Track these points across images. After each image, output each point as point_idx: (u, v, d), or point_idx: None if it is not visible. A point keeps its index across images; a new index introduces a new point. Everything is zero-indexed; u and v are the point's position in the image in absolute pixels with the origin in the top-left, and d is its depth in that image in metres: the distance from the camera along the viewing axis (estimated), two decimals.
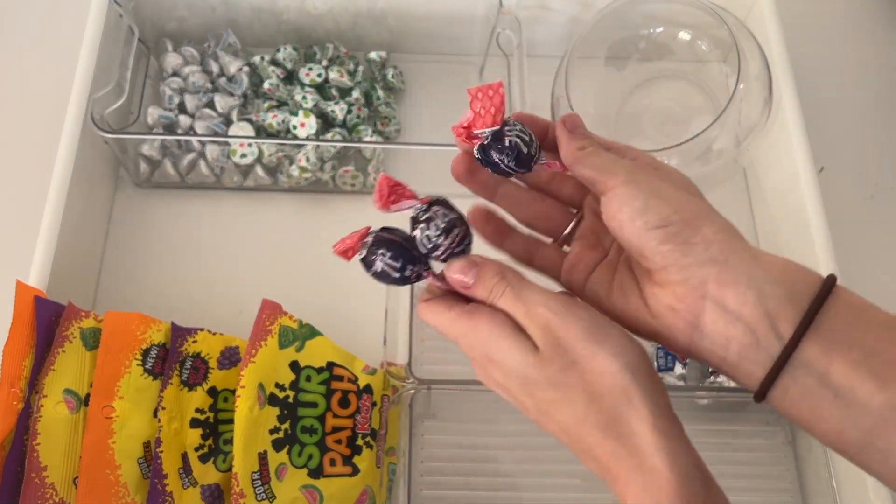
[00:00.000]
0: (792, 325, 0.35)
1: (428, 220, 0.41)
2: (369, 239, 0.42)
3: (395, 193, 0.41)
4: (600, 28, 0.77)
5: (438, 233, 0.41)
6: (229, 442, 0.59)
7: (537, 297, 0.38)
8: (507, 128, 0.40)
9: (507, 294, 0.39)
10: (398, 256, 0.41)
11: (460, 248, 0.42)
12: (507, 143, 0.40)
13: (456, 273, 0.40)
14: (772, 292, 0.36)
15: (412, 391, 0.65)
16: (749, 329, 0.36)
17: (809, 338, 0.35)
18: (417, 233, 0.42)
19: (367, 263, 0.42)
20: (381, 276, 0.42)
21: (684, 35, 0.79)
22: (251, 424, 0.58)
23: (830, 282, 0.37)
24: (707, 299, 0.36)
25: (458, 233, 0.42)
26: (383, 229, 0.42)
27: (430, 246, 0.41)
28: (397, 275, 0.41)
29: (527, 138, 0.41)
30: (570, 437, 0.39)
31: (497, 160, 0.41)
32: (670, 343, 0.39)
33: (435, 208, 0.42)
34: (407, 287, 0.69)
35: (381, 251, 0.41)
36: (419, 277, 0.42)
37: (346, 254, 0.42)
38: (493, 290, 0.39)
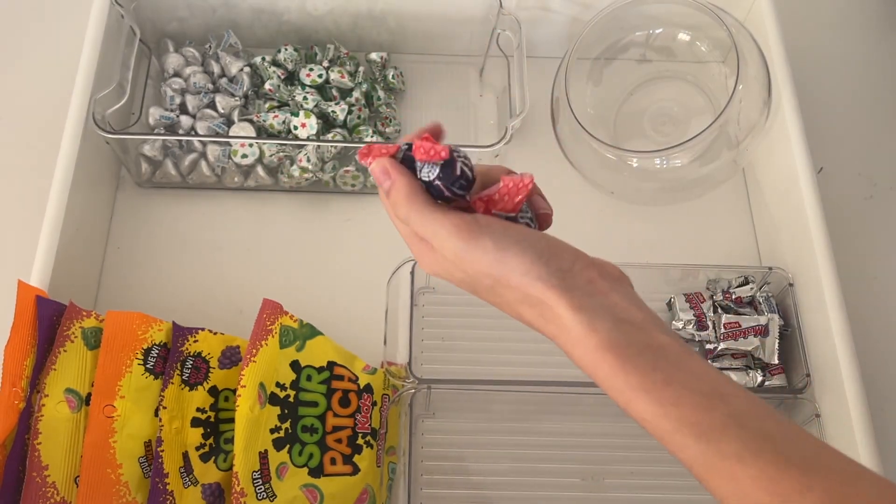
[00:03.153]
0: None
1: (463, 155, 0.43)
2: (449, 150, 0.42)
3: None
4: (599, 29, 0.77)
5: (469, 166, 0.43)
6: (230, 441, 0.59)
7: (442, 232, 0.41)
8: (455, 154, 0.42)
9: (412, 219, 0.42)
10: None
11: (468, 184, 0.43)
12: (458, 173, 0.42)
13: (379, 171, 0.43)
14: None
15: (412, 391, 0.65)
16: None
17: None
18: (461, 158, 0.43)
19: (451, 162, 0.42)
20: (450, 178, 0.42)
21: (683, 36, 0.80)
22: (252, 424, 0.58)
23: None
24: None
25: (471, 175, 0.43)
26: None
27: (468, 173, 0.43)
28: (462, 182, 0.42)
29: (470, 164, 0.43)
30: (516, 315, 0.43)
31: (444, 187, 0.42)
32: None
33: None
34: (407, 287, 0.69)
35: (462, 157, 0.42)
36: (456, 195, 0.43)
37: (375, 153, 0.44)
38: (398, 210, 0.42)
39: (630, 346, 0.39)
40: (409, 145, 0.43)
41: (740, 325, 0.69)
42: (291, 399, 0.61)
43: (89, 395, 0.59)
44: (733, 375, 0.69)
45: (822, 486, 0.34)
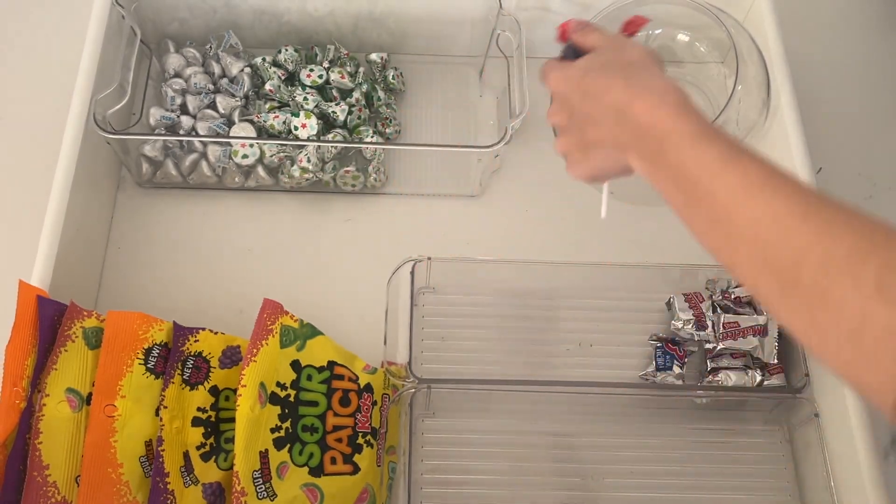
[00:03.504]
0: None
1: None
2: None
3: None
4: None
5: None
6: (230, 440, 0.59)
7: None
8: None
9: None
10: None
11: None
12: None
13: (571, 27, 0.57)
14: None
15: (412, 390, 0.65)
16: None
17: None
18: None
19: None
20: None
21: (683, 36, 0.80)
22: (252, 423, 0.58)
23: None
24: None
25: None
26: None
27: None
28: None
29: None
30: (605, 107, 0.49)
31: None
32: None
33: None
34: (407, 287, 0.69)
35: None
36: None
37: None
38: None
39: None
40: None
41: (739, 325, 0.69)
42: (292, 398, 0.62)
43: (90, 394, 0.59)
44: (732, 375, 0.69)
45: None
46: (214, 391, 0.61)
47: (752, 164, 0.42)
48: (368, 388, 0.64)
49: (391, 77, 0.82)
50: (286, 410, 0.61)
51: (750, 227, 0.41)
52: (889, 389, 0.35)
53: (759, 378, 0.69)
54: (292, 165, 0.75)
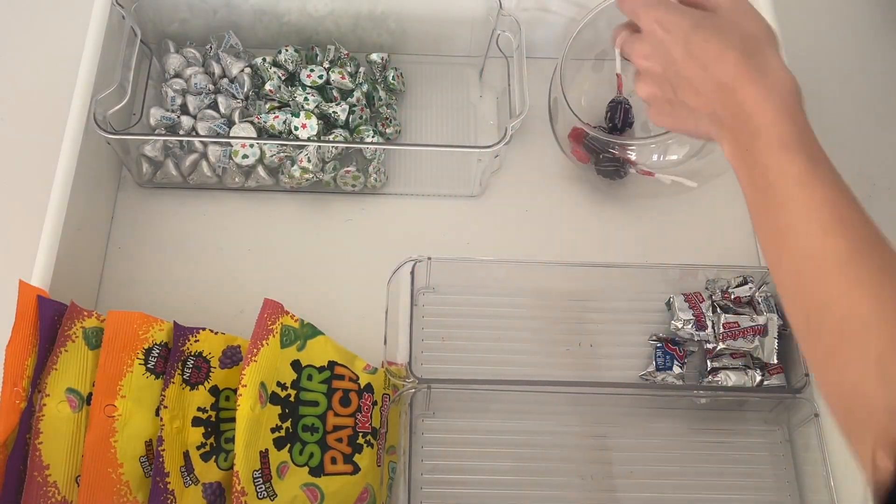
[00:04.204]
0: None
1: None
2: None
3: None
4: (593, 28, 0.77)
5: None
6: (231, 440, 0.59)
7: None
8: None
9: None
10: None
11: None
12: None
13: None
14: None
15: (412, 390, 0.65)
16: None
17: None
18: None
19: None
20: None
21: None
22: (253, 423, 0.58)
23: None
24: None
25: None
26: None
27: None
28: None
29: None
30: (711, 77, 0.46)
31: None
32: None
33: None
34: (407, 287, 0.70)
35: None
36: None
37: None
38: None
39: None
40: None
41: (739, 325, 0.69)
42: (292, 398, 0.62)
43: (90, 394, 0.59)
44: (732, 375, 0.69)
45: None
46: (215, 391, 0.61)
47: (825, 190, 0.42)
48: (369, 388, 0.64)
49: (391, 77, 0.82)
50: (286, 410, 0.61)
51: (798, 254, 0.41)
52: (868, 465, 0.36)
53: (758, 378, 0.69)
54: (292, 166, 0.75)
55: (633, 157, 0.73)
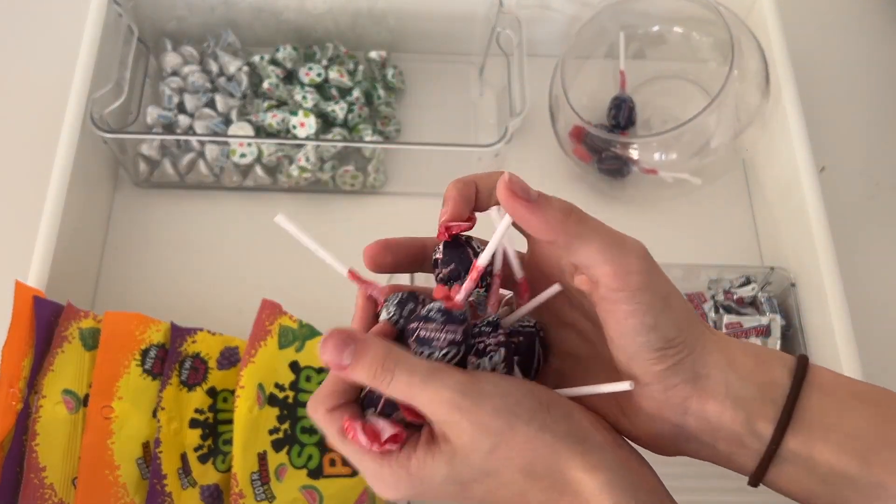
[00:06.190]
0: (771, 424, 0.36)
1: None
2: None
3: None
4: (596, 26, 0.76)
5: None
6: (229, 442, 0.59)
7: (437, 381, 0.33)
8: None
9: (397, 378, 0.33)
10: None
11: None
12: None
13: (329, 352, 0.34)
14: (749, 395, 0.36)
15: None
16: (733, 434, 0.36)
17: (790, 432, 0.36)
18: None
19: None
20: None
21: (682, 33, 0.79)
22: (251, 425, 0.58)
23: (801, 369, 0.37)
24: (689, 414, 0.36)
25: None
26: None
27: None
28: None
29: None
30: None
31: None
32: (653, 446, 0.38)
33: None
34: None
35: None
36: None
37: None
38: (378, 374, 0.34)
39: None
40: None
41: (742, 326, 0.69)
42: (290, 400, 0.61)
43: (87, 396, 0.58)
44: None
45: None
46: (212, 392, 0.61)
47: None
48: None
49: (391, 75, 0.82)
50: (285, 412, 0.61)
51: None
52: None
53: None
54: (291, 165, 0.74)
55: (635, 155, 0.72)
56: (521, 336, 0.38)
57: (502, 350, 0.36)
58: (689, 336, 0.35)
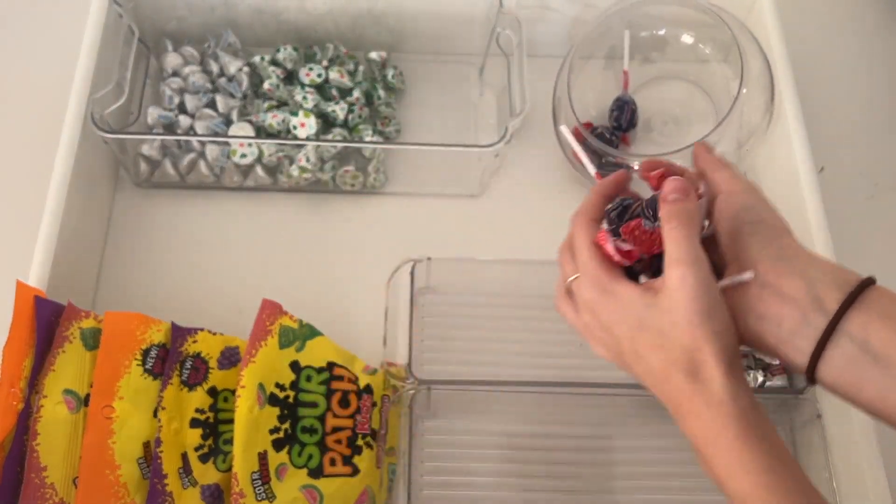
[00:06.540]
0: (836, 303, 0.42)
1: None
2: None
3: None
4: (602, 29, 0.77)
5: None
6: (229, 442, 0.59)
7: (697, 246, 0.44)
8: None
9: (680, 228, 0.44)
10: None
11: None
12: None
13: (679, 189, 0.46)
14: (821, 280, 0.43)
15: (412, 391, 0.65)
16: (799, 308, 0.42)
17: (851, 313, 0.41)
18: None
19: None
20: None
21: (686, 36, 0.80)
22: (251, 424, 0.58)
23: (871, 278, 0.43)
24: (765, 287, 0.43)
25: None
26: None
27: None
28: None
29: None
30: (655, 378, 0.45)
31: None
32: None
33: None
34: (407, 287, 0.69)
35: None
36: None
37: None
38: (689, 223, 0.44)
39: (758, 429, 0.42)
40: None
41: None
42: (291, 400, 0.61)
43: (88, 395, 0.58)
44: None
45: None
46: (213, 392, 0.61)
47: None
48: (368, 389, 0.64)
49: (391, 76, 0.82)
50: (285, 412, 0.61)
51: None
52: None
53: (761, 379, 0.69)
54: (291, 165, 0.74)
55: (635, 165, 0.73)
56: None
57: None
58: (777, 224, 0.46)
